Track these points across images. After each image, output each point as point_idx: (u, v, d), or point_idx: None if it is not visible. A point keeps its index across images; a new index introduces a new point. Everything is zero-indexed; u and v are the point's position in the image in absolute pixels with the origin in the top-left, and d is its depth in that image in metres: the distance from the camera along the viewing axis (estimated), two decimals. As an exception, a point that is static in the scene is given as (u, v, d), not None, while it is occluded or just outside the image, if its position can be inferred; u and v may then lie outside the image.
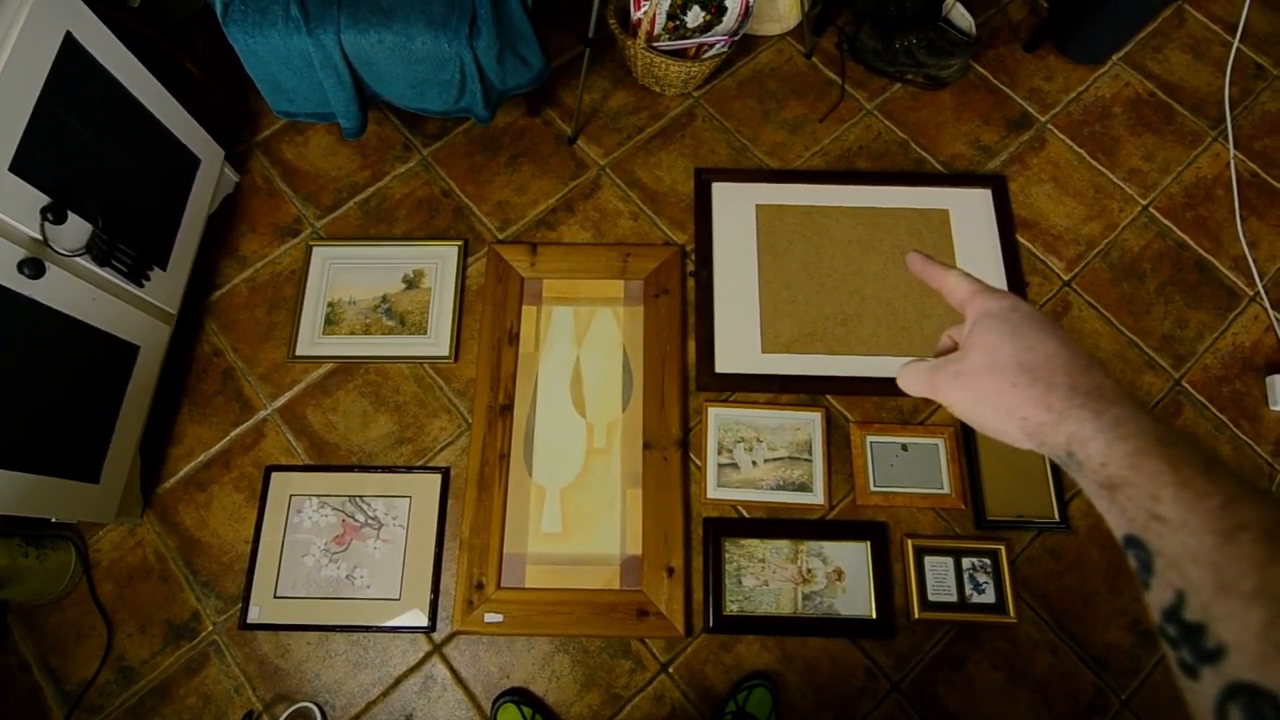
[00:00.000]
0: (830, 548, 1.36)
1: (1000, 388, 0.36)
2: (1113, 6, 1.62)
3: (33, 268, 1.03)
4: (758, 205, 1.59)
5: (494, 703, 1.27)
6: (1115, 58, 1.75)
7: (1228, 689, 0.25)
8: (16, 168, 1.01)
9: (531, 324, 1.49)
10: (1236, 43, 1.73)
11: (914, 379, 0.41)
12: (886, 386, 1.45)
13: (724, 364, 1.47)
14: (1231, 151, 1.65)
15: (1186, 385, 1.47)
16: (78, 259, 1.13)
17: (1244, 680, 0.24)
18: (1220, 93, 1.71)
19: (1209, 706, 0.25)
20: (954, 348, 0.43)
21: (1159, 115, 1.70)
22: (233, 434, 1.44)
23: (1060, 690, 1.29)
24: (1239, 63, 1.73)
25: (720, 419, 1.43)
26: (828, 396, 1.46)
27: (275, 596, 1.32)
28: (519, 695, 1.27)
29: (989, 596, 1.33)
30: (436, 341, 1.48)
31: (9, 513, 1.07)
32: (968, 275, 0.42)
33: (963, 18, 1.60)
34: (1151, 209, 1.61)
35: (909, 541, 1.36)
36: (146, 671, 1.29)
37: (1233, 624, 0.25)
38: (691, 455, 1.42)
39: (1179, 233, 1.59)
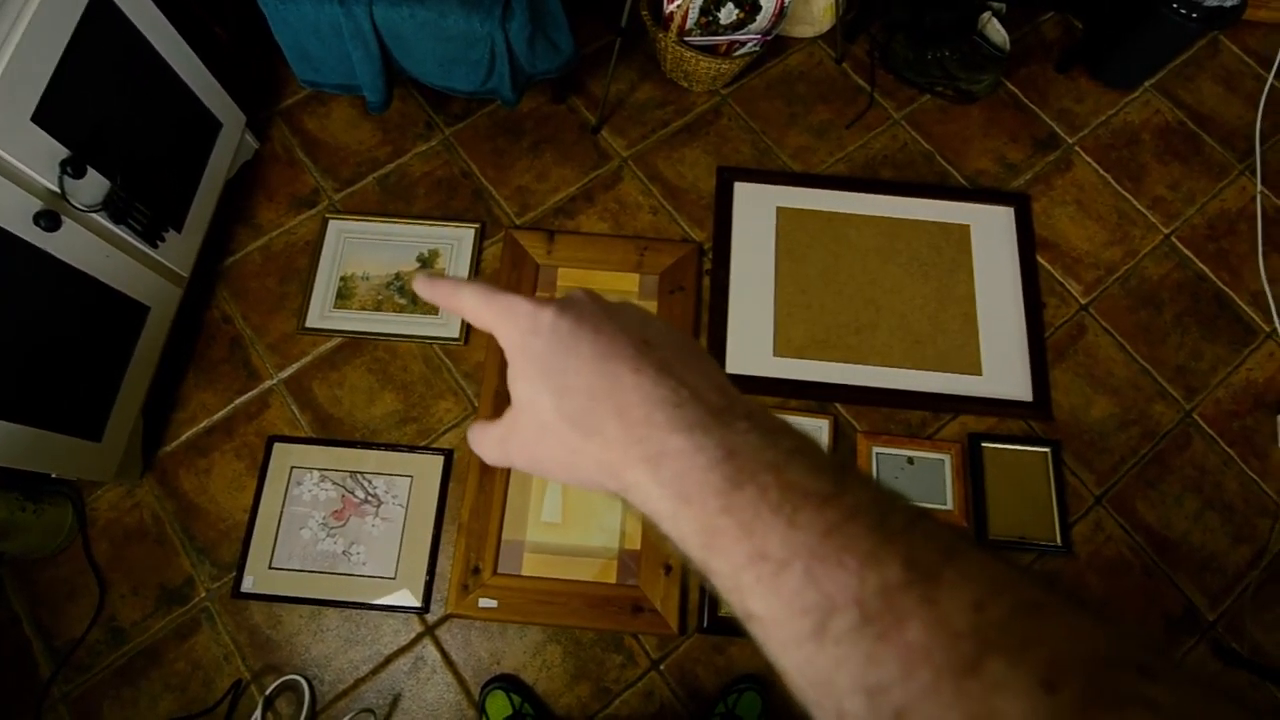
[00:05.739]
0: (829, 556, 1.35)
1: (556, 453, 0.27)
2: (1147, 33, 1.61)
3: (49, 220, 1.02)
4: (779, 208, 1.58)
5: (483, 688, 1.27)
6: (1147, 84, 1.74)
7: None
8: (39, 119, 1.00)
9: (544, 312, 1.48)
10: (1271, 78, 1.71)
11: (486, 445, 0.31)
12: (896, 398, 1.44)
13: (734, 365, 1.46)
14: (1258, 186, 1.64)
15: (1197, 418, 1.47)
16: (94, 215, 1.12)
17: None
18: (1251, 126, 1.69)
19: None
20: None
21: (1187, 145, 1.69)
22: (237, 402, 1.43)
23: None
24: (1272, 97, 1.72)
25: (727, 420, 1.42)
26: (836, 404, 1.45)
27: (270, 567, 1.32)
28: (508, 683, 1.27)
29: (985, 616, 1.32)
30: (447, 323, 1.47)
31: (9, 465, 1.07)
32: (484, 291, 0.30)
33: (997, 33, 1.58)
34: (1173, 238, 1.60)
35: (908, 555, 1.35)
36: (137, 634, 1.29)
37: None
38: (696, 454, 1.41)
39: (1199, 264, 1.58)
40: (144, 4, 1.18)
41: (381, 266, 1.52)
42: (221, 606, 1.31)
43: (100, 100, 1.12)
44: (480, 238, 1.54)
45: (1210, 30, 1.69)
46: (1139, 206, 1.63)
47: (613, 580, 1.32)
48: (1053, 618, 0.19)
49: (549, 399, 0.27)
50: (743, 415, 0.25)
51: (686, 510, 0.23)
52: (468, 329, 1.47)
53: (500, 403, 1.41)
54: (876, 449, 1.41)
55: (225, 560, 1.33)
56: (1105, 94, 1.73)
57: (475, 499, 1.35)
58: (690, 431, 0.24)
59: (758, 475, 0.22)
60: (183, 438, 1.40)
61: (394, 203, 1.58)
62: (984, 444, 1.42)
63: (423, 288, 0.32)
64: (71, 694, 1.25)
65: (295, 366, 1.45)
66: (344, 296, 1.49)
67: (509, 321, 0.29)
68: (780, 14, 1.49)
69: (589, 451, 0.26)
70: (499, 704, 1.23)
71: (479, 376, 1.44)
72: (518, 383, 0.28)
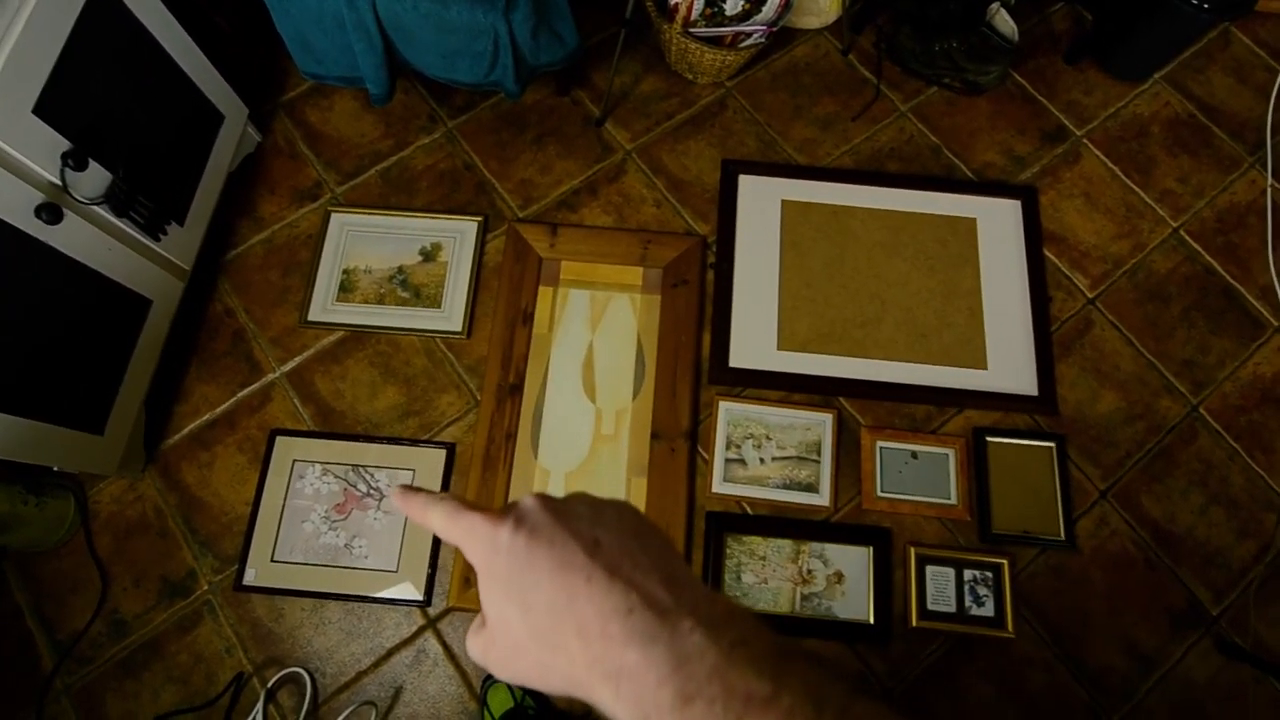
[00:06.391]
0: (832, 550, 1.35)
1: (531, 669, 0.29)
2: (1158, 24, 1.59)
3: (50, 213, 1.01)
4: (784, 201, 1.57)
5: (485, 681, 1.27)
6: (1157, 76, 1.72)
7: None
8: (40, 110, 0.99)
9: (547, 305, 1.48)
10: (1282, 69, 1.70)
11: (474, 653, 0.32)
12: (900, 392, 1.43)
13: (738, 359, 1.45)
14: (1269, 179, 1.63)
15: (1203, 412, 1.46)
16: (96, 207, 1.12)
17: None
18: (1261, 118, 1.68)
19: None
20: None
21: (1197, 137, 1.67)
22: (240, 395, 1.43)
23: (1052, 709, 1.28)
24: (1282, 89, 1.70)
25: (731, 414, 1.41)
26: (840, 399, 1.44)
27: (272, 560, 1.32)
28: (511, 676, 1.26)
29: (988, 610, 1.32)
30: (450, 316, 1.47)
31: (11, 458, 1.07)
32: (450, 511, 0.32)
33: (1005, 24, 1.57)
34: (1182, 232, 1.59)
35: (912, 549, 1.35)
36: (139, 626, 1.29)
37: None
38: (699, 448, 1.41)
39: (1208, 258, 1.57)
40: (145, -6, 1.17)
41: (384, 260, 1.51)
42: (223, 599, 1.31)
43: (102, 92, 1.11)
44: (483, 231, 1.54)
45: (1221, 21, 1.67)
46: (1147, 199, 1.61)
47: (615, 574, 1.31)
48: None
49: (516, 617, 0.28)
50: (688, 611, 0.27)
51: None
52: (470, 322, 1.47)
53: (501, 396, 1.40)
54: (881, 443, 1.40)
55: (227, 553, 1.33)
56: (1114, 86, 1.71)
57: (478, 493, 1.35)
58: (642, 644, 0.26)
59: (704, 687, 0.25)
60: (185, 431, 1.40)
61: (397, 196, 1.57)
62: (989, 438, 1.41)
63: (399, 501, 0.34)
64: (74, 686, 1.25)
65: (297, 360, 1.45)
66: (346, 290, 1.49)
67: (472, 541, 0.30)
68: (786, 5, 1.48)
69: (558, 667, 0.28)
70: (501, 696, 1.23)
71: (481, 370, 1.44)
72: (487, 601, 0.30)
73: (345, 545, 1.33)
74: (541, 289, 1.49)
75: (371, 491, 1.36)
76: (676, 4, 1.47)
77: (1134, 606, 1.34)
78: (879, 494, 1.38)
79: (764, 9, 1.47)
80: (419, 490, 0.33)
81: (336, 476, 1.37)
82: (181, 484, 1.37)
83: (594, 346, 1.45)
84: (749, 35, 1.54)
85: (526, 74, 1.43)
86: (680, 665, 0.25)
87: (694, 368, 1.44)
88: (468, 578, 1.30)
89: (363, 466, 1.38)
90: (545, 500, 0.31)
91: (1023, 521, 1.37)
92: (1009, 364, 1.46)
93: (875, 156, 1.63)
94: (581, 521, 0.30)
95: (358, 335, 1.47)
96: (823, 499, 1.37)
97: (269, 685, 1.25)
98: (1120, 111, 1.69)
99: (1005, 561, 1.33)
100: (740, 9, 1.47)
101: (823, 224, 1.55)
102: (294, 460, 1.38)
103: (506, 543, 0.29)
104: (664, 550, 0.30)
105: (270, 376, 1.44)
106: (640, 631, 0.26)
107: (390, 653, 1.29)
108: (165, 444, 1.39)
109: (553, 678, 0.29)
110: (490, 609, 0.30)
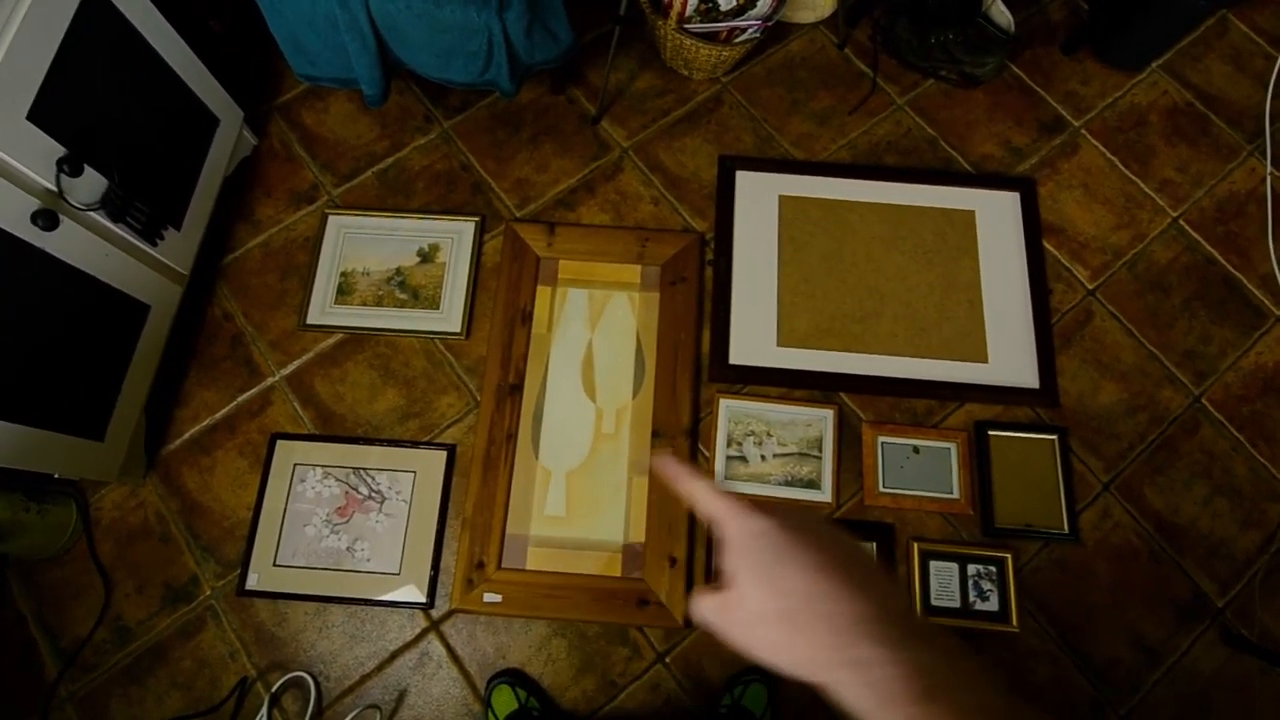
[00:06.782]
0: (835, 547, 1.34)
1: (768, 639, 0.33)
2: (1155, 12, 1.59)
3: (46, 219, 1.01)
4: (781, 196, 1.56)
5: (489, 682, 1.27)
6: (1154, 65, 1.71)
7: None
8: (34, 117, 0.99)
9: (545, 305, 1.47)
10: (1280, 57, 1.69)
11: (703, 613, 0.36)
12: (901, 387, 1.43)
13: (738, 356, 1.45)
14: (1268, 167, 1.62)
15: (1206, 403, 1.45)
16: (92, 213, 1.11)
17: None
18: (1260, 106, 1.67)
19: None
20: None
21: (1195, 126, 1.66)
22: (239, 399, 1.42)
23: (1057, 703, 1.28)
24: (1281, 76, 1.69)
25: (731, 411, 1.41)
26: (841, 394, 1.44)
27: (275, 564, 1.31)
28: (514, 676, 1.26)
29: (993, 604, 1.32)
30: (449, 317, 1.46)
31: (11, 466, 1.06)
32: (716, 490, 0.37)
33: (1002, 15, 1.56)
34: (1181, 221, 1.58)
35: (915, 544, 1.34)
36: (142, 632, 1.29)
37: None
38: (700, 446, 1.40)
39: (1208, 247, 1.56)
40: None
41: (382, 261, 1.51)
42: (227, 604, 1.31)
43: (96, 98, 1.11)
44: (480, 231, 1.53)
45: (1219, 8, 1.66)
46: (1146, 189, 1.61)
47: (618, 573, 1.31)
48: None
49: (769, 597, 0.33)
50: (923, 634, 0.32)
51: (886, 711, 0.29)
52: (469, 322, 1.46)
53: (501, 396, 1.40)
54: (882, 438, 1.40)
55: (230, 558, 1.33)
56: (1112, 76, 1.70)
57: (479, 494, 1.35)
58: (891, 646, 0.30)
59: (946, 691, 0.29)
60: (186, 436, 1.40)
61: (393, 197, 1.57)
62: (990, 432, 1.40)
63: (661, 464, 0.40)
64: (78, 693, 1.25)
65: (297, 363, 1.45)
66: (344, 292, 1.48)
67: (735, 520, 0.35)
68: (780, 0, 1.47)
69: (798, 646, 0.32)
70: (505, 698, 1.23)
71: (481, 371, 1.43)
72: (740, 574, 0.34)
73: (347, 548, 1.33)
74: (540, 288, 1.48)
75: (373, 494, 1.36)
76: (671, 0, 1.46)
77: (1139, 599, 1.34)
78: (881, 489, 1.37)
79: (759, 4, 1.47)
80: (679, 461, 0.39)
81: (337, 480, 1.37)
82: (183, 489, 1.37)
83: (593, 345, 1.45)
84: (744, 30, 1.53)
85: (521, 73, 1.43)
86: (926, 671, 0.30)
87: (694, 365, 1.43)
88: (470, 579, 1.30)
89: (364, 469, 1.37)
90: (801, 510, 0.37)
91: (1025, 515, 1.36)
92: (1009, 357, 1.45)
93: (873, 150, 1.63)
94: (835, 540, 0.35)
95: (357, 338, 1.47)
96: (825, 495, 1.37)
97: (273, 690, 1.25)
98: (1118, 101, 1.68)
99: (1009, 555, 1.33)
100: (735, 4, 1.46)
101: (820, 219, 1.55)
102: (295, 464, 1.38)
103: (772, 531, 0.34)
104: (894, 582, 0.36)
105: (270, 380, 1.44)
106: (886, 635, 0.31)
107: (394, 656, 1.29)
108: (166, 449, 1.39)
109: (787, 655, 0.32)
110: (743, 582, 0.34)
